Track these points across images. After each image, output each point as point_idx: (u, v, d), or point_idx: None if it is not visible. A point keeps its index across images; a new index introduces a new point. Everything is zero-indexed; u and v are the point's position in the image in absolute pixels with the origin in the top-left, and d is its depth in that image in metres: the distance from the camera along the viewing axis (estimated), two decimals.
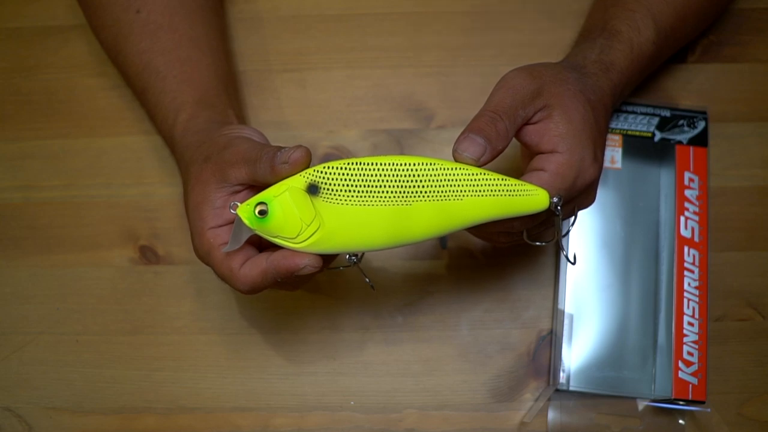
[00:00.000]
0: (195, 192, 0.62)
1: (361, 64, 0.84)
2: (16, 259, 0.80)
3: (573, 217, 0.65)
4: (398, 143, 0.82)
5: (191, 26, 0.75)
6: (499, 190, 0.57)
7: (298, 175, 0.57)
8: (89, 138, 0.82)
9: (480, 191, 0.57)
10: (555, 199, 0.58)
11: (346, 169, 0.57)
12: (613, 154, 0.79)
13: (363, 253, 0.61)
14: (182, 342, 0.77)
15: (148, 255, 0.79)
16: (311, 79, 0.84)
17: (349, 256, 0.60)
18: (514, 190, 0.57)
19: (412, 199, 0.57)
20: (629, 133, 0.80)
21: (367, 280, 0.64)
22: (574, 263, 0.71)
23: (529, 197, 0.58)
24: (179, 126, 0.70)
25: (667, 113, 0.80)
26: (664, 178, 0.79)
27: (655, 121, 0.80)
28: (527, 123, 0.61)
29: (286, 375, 0.76)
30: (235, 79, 0.82)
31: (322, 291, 0.78)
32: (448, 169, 0.57)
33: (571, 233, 0.77)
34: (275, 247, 0.59)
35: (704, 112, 0.80)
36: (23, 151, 0.82)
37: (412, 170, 0.57)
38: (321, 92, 0.84)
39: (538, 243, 0.65)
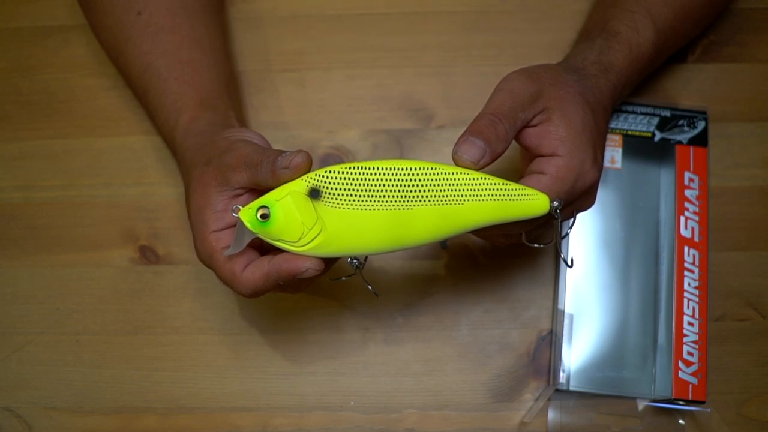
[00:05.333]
0: (197, 195, 0.62)
1: (361, 64, 0.84)
2: (16, 259, 0.80)
3: (572, 219, 0.65)
4: (398, 143, 0.82)
5: (193, 28, 0.75)
6: (499, 195, 0.57)
7: (300, 179, 0.57)
8: (89, 138, 0.82)
9: (480, 195, 0.57)
10: (555, 203, 0.58)
11: (347, 173, 0.57)
12: (613, 154, 0.79)
13: (366, 258, 0.61)
14: (182, 342, 0.77)
15: (148, 255, 0.79)
16: (311, 79, 0.84)
17: (351, 259, 0.60)
18: (514, 195, 0.57)
19: (413, 203, 0.57)
20: (629, 133, 0.80)
21: (370, 287, 0.63)
22: (571, 266, 0.71)
23: (529, 202, 0.58)
24: (180, 128, 0.70)
25: (667, 113, 0.80)
26: (664, 178, 0.79)
27: (655, 121, 0.80)
28: (527, 126, 0.61)
29: (286, 375, 0.76)
30: (236, 80, 0.82)
31: (323, 291, 0.78)
32: (448, 173, 0.57)
33: (570, 233, 0.77)
34: (277, 251, 0.59)
35: (704, 112, 0.80)
36: (23, 151, 0.82)
37: (413, 175, 0.57)
38: (321, 92, 0.84)
39: (536, 245, 0.65)
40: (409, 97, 0.83)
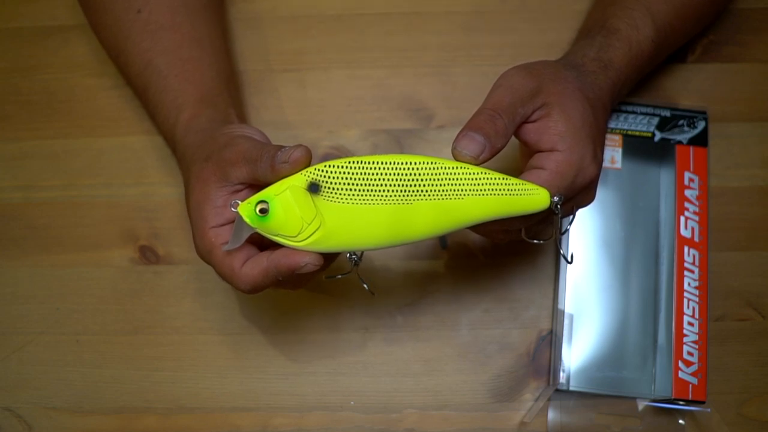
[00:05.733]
0: (196, 191, 0.62)
1: (361, 64, 0.84)
2: (16, 259, 0.80)
3: (571, 216, 0.65)
4: (398, 143, 0.82)
5: (193, 26, 0.75)
6: (499, 190, 0.57)
7: (300, 173, 0.57)
8: (89, 138, 0.82)
9: (481, 190, 0.57)
10: (555, 199, 0.58)
11: (347, 167, 0.57)
12: (613, 154, 0.79)
13: (362, 254, 0.61)
14: (182, 342, 0.77)
15: (148, 255, 0.79)
16: (311, 79, 0.84)
17: (350, 255, 0.60)
18: (514, 190, 0.57)
19: (413, 198, 0.57)
20: (629, 133, 0.80)
21: (366, 286, 0.63)
22: (571, 262, 0.71)
23: (530, 197, 0.58)
24: (180, 125, 0.70)
25: (667, 113, 0.80)
26: (664, 178, 0.78)
27: (655, 121, 0.80)
28: (526, 121, 0.61)
29: (286, 375, 0.76)
30: (236, 78, 0.82)
31: (322, 290, 0.78)
32: (449, 168, 0.57)
33: (570, 232, 0.77)
34: (276, 246, 0.59)
35: (704, 112, 0.80)
36: (23, 151, 0.82)
37: (413, 169, 0.57)
38: (321, 92, 0.84)
39: (536, 241, 0.65)
40: (409, 97, 0.83)
